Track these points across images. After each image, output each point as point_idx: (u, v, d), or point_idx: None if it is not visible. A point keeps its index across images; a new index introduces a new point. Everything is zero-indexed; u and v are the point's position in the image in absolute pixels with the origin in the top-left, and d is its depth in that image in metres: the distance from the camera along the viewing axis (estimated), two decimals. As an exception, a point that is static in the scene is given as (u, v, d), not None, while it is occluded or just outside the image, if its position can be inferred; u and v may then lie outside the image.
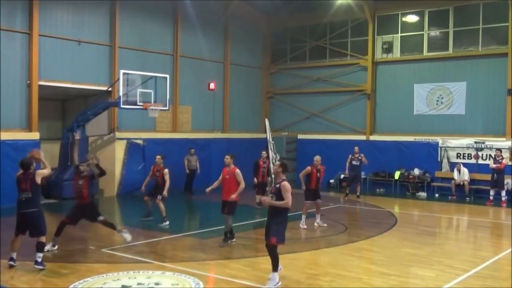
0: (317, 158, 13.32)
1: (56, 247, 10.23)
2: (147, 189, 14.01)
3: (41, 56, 17.06)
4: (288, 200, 7.96)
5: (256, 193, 15.84)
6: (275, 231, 8.03)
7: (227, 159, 11.05)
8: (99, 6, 18.83)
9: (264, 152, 16.62)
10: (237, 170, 10.90)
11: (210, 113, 23.08)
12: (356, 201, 18.73)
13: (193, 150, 20.07)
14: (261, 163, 16.14)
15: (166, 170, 13.30)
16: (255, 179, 16.05)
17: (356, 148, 19.52)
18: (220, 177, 11.14)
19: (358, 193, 19.29)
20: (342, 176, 22.75)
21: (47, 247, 9.69)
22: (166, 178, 13.20)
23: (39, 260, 8.83)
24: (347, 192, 19.42)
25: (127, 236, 10.74)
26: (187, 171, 19.83)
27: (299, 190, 13.31)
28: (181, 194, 19.11)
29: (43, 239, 8.93)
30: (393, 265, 9.53)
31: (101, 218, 10.51)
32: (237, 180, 10.84)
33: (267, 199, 8.27)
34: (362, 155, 19.33)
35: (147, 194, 13.77)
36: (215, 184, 11.31)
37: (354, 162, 19.36)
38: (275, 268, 8.05)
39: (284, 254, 9.24)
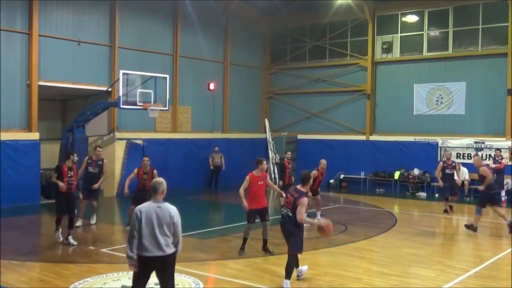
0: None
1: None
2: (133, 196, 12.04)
3: (41, 56, 17.05)
4: None
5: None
6: None
7: (264, 164, 10.04)
8: (99, 6, 18.83)
9: (289, 152, 16.06)
10: (266, 174, 10.28)
11: (210, 113, 23.08)
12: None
13: (217, 148, 21.35)
14: (287, 163, 15.09)
15: (155, 172, 11.98)
16: (281, 182, 15.00)
17: (449, 154, 15.97)
18: (247, 185, 9.96)
19: (451, 206, 15.62)
20: (341, 176, 22.79)
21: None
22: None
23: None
24: (448, 209, 15.37)
25: (73, 241, 10.65)
26: (211, 167, 21.23)
27: None
28: (204, 190, 19.47)
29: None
30: (393, 265, 9.53)
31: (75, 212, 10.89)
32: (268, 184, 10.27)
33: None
34: (456, 162, 16.11)
35: (134, 202, 11.18)
36: (242, 195, 10.02)
37: (448, 171, 15.26)
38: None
39: (283, 255, 9.22)
